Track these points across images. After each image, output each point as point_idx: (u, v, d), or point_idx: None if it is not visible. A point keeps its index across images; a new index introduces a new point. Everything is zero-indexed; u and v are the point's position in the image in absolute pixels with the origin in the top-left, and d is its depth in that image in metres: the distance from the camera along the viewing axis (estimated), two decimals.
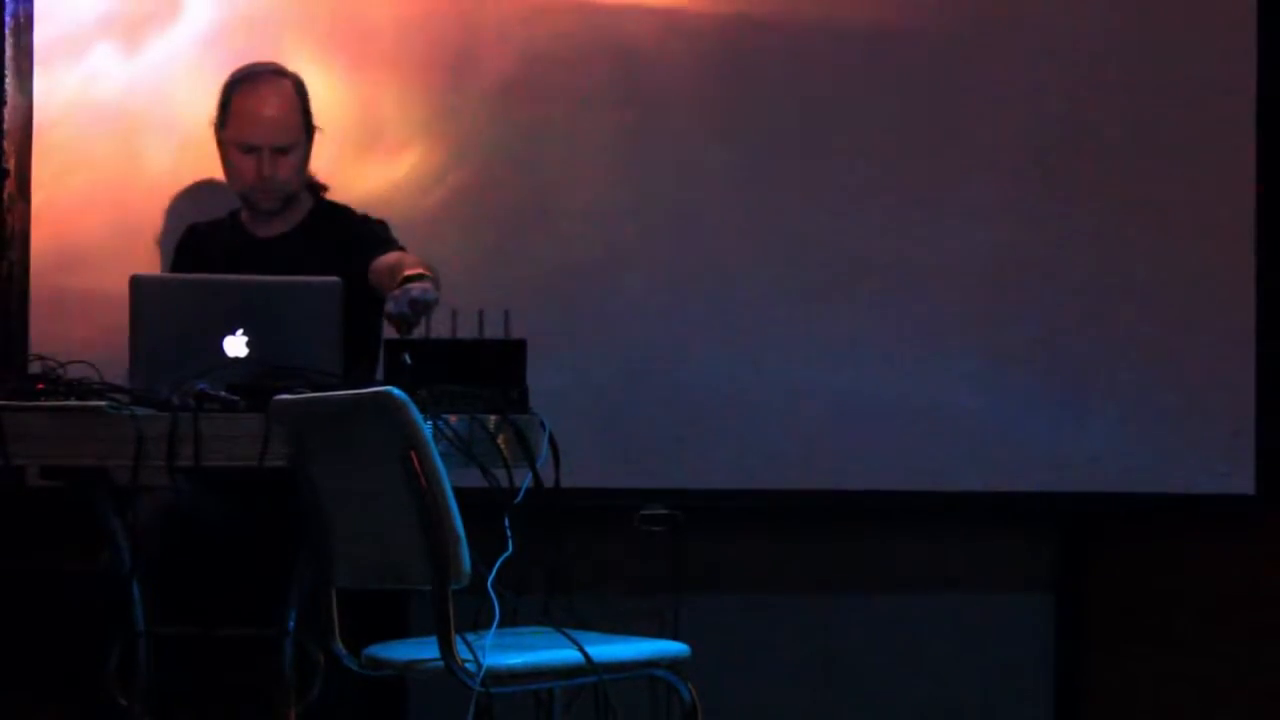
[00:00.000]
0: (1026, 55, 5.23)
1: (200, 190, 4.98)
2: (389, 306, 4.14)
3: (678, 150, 5.16)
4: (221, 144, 4.67)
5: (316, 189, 4.78)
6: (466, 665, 3.50)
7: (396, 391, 3.47)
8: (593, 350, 5.11)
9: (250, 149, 4.62)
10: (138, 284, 4.04)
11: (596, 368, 5.11)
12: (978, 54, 5.23)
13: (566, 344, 5.05)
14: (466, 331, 3.98)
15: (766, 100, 5.18)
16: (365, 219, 4.75)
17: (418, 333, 4.04)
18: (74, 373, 3.92)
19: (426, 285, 4.18)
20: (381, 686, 4.31)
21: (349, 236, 4.65)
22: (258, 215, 4.70)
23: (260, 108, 4.63)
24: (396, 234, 4.71)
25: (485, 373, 3.91)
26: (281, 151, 4.62)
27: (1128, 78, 5.24)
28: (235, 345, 3.96)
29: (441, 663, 3.51)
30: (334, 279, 4.05)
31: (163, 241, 4.98)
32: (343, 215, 4.77)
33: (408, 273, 4.26)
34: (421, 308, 4.07)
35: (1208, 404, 5.22)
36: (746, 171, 5.18)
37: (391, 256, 4.47)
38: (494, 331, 3.96)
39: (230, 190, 4.71)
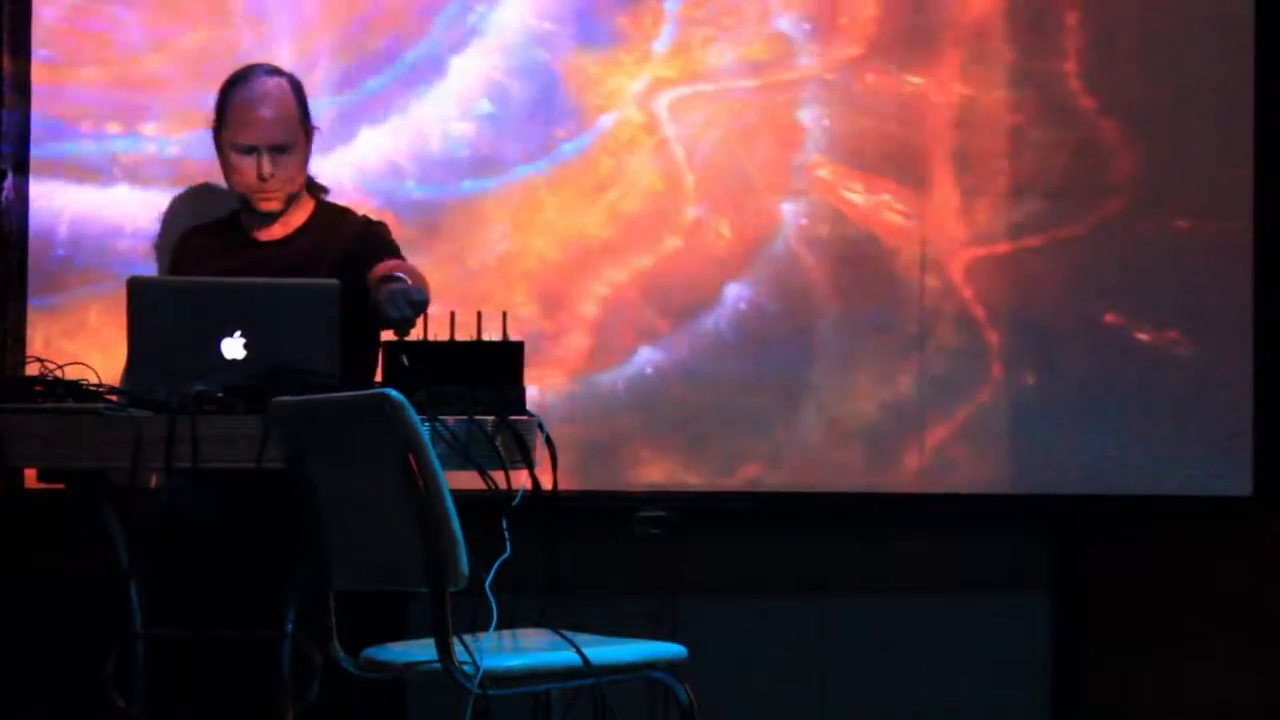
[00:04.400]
0: (1029, 49, 5.23)
1: (198, 193, 4.97)
2: (389, 312, 4.13)
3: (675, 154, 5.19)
4: (220, 146, 4.64)
5: (317, 191, 4.77)
6: (464, 667, 3.49)
7: (394, 393, 3.46)
8: (590, 353, 5.12)
9: (248, 149, 4.58)
10: (135, 286, 4.01)
11: (594, 370, 5.11)
12: (984, 47, 5.24)
13: (564, 346, 5.06)
14: (464, 333, 3.97)
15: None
16: (366, 221, 4.74)
17: (415, 334, 4.03)
18: (71, 375, 3.91)
19: (416, 284, 4.18)
20: (379, 688, 4.30)
21: (350, 239, 4.64)
22: (258, 218, 4.67)
23: (257, 107, 4.59)
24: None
25: (483, 374, 3.91)
26: (280, 150, 4.59)
27: (1125, 77, 5.25)
28: (233, 347, 3.95)
29: (439, 665, 3.50)
30: (332, 281, 4.04)
31: (160, 244, 4.98)
32: (343, 218, 4.75)
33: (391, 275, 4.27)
34: (420, 308, 4.08)
35: (1206, 406, 5.22)
36: (744, 172, 5.18)
37: (390, 263, 4.46)
38: (491, 333, 3.96)
39: (231, 193, 4.69)
